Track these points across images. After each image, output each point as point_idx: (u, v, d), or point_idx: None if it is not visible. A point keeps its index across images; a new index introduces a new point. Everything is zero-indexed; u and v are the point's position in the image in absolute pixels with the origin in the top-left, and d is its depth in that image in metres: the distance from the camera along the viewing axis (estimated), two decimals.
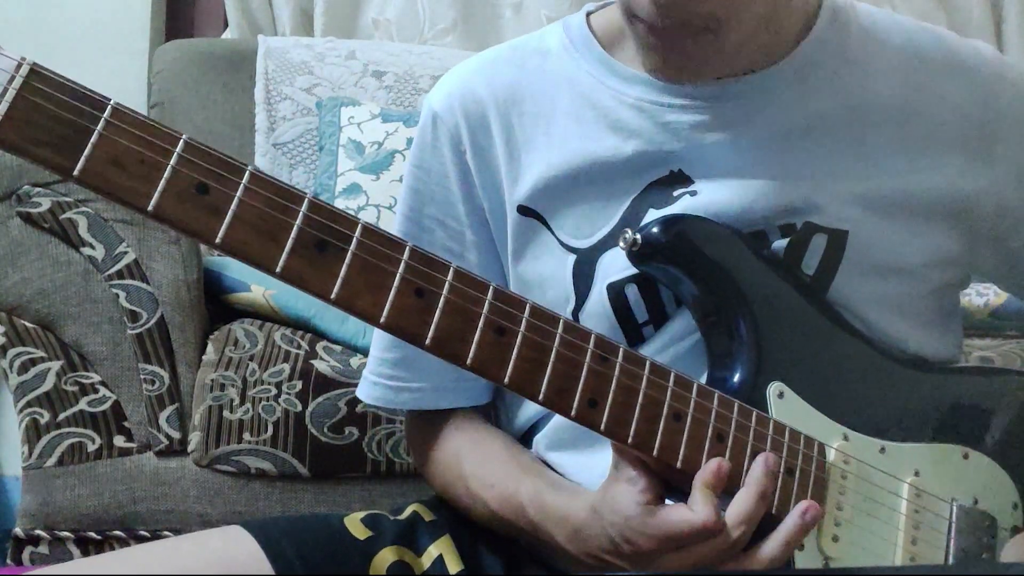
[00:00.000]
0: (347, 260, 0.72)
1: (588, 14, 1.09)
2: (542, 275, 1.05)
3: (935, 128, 1.02)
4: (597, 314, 1.01)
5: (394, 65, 2.43)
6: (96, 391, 1.73)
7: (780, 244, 0.99)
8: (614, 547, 0.87)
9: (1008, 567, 0.92)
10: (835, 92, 1.02)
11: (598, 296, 1.01)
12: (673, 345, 0.99)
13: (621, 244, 0.94)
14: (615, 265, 0.99)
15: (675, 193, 1.00)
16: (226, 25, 2.77)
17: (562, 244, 1.03)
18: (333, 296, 0.72)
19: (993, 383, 1.05)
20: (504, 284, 1.07)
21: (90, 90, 0.68)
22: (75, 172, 0.67)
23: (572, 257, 1.03)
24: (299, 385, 1.69)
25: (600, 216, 1.02)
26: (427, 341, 0.75)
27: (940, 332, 1.06)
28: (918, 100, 1.02)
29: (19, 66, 0.66)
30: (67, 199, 1.69)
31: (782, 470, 0.88)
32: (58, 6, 2.62)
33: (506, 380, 0.78)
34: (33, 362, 1.72)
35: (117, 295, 1.72)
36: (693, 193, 1.00)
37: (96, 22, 2.63)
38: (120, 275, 1.72)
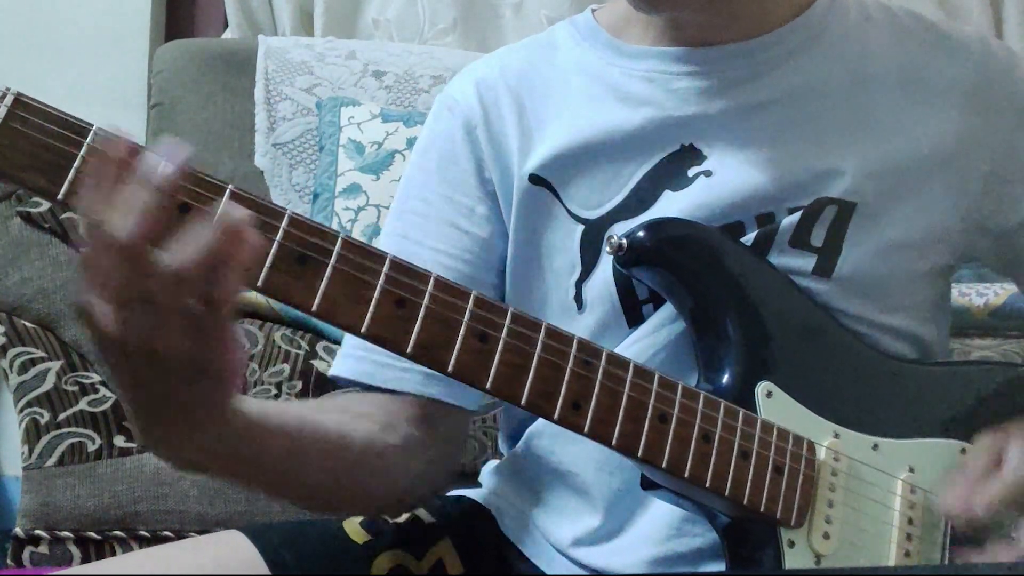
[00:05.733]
0: (327, 273, 0.74)
1: (593, 11, 1.14)
2: (550, 244, 1.06)
3: (934, 99, 1.05)
4: (600, 286, 1.02)
5: (394, 65, 2.43)
6: (96, 391, 1.74)
7: (791, 220, 0.99)
8: None
9: (1008, 567, 0.92)
10: (838, 60, 1.05)
11: (604, 270, 1.02)
12: (667, 326, 0.99)
13: (607, 249, 0.95)
14: None
15: (690, 173, 1.02)
16: (226, 25, 2.77)
17: (571, 214, 1.05)
18: (314, 308, 0.74)
19: (989, 376, 1.06)
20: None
21: (73, 116, 0.71)
22: (59, 195, 0.69)
23: (580, 228, 1.04)
24: (299, 385, 1.69)
25: (610, 187, 1.04)
26: (409, 350, 0.76)
27: (936, 315, 1.08)
28: (915, 73, 1.06)
29: (3, 96, 0.69)
30: None
31: (770, 468, 0.88)
32: (58, 6, 2.63)
33: (488, 386, 0.79)
34: (33, 362, 1.72)
35: None
36: (708, 174, 1.01)
37: (96, 22, 2.64)
38: None
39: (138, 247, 0.67)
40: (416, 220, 1.09)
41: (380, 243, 1.09)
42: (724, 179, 1.01)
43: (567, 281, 1.04)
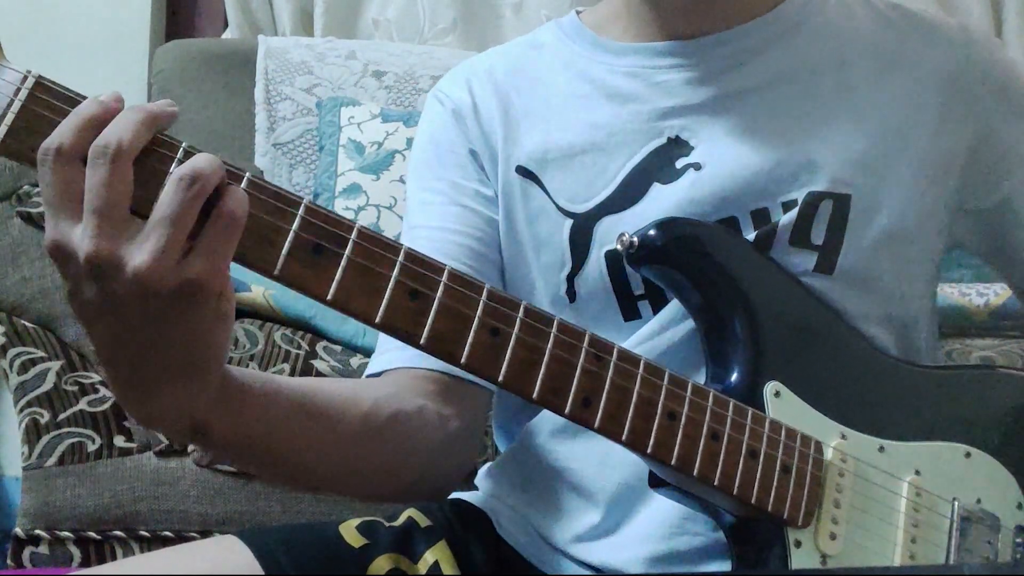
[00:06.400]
0: (342, 263, 0.74)
1: (578, 12, 1.16)
2: (537, 238, 1.06)
3: (914, 85, 1.06)
4: (593, 280, 1.03)
5: (394, 65, 2.43)
6: (96, 391, 1.73)
7: (789, 218, 1.00)
8: None
9: (1008, 567, 0.92)
10: (819, 47, 1.07)
11: (596, 263, 1.03)
12: (672, 327, 0.99)
13: (618, 246, 0.95)
14: (614, 232, 1.00)
15: (679, 166, 1.03)
16: (226, 25, 2.77)
17: (559, 208, 1.05)
18: (329, 298, 0.74)
19: (997, 382, 1.05)
20: None
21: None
22: None
23: (569, 222, 1.05)
24: None
25: (598, 181, 1.05)
26: (422, 341, 0.76)
27: (928, 306, 1.09)
28: (896, 58, 1.07)
29: (25, 78, 0.70)
30: None
31: (778, 467, 0.88)
32: (59, 6, 2.63)
33: (500, 379, 0.79)
34: (33, 362, 1.72)
35: None
36: (697, 167, 1.02)
37: (96, 22, 2.64)
38: None
39: (128, 150, 0.70)
40: (424, 208, 1.10)
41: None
42: (713, 172, 1.02)
43: (557, 275, 1.05)
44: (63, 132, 0.69)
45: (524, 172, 1.07)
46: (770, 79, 1.05)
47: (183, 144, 0.72)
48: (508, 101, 1.10)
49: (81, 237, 0.69)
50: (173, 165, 0.71)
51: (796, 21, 1.08)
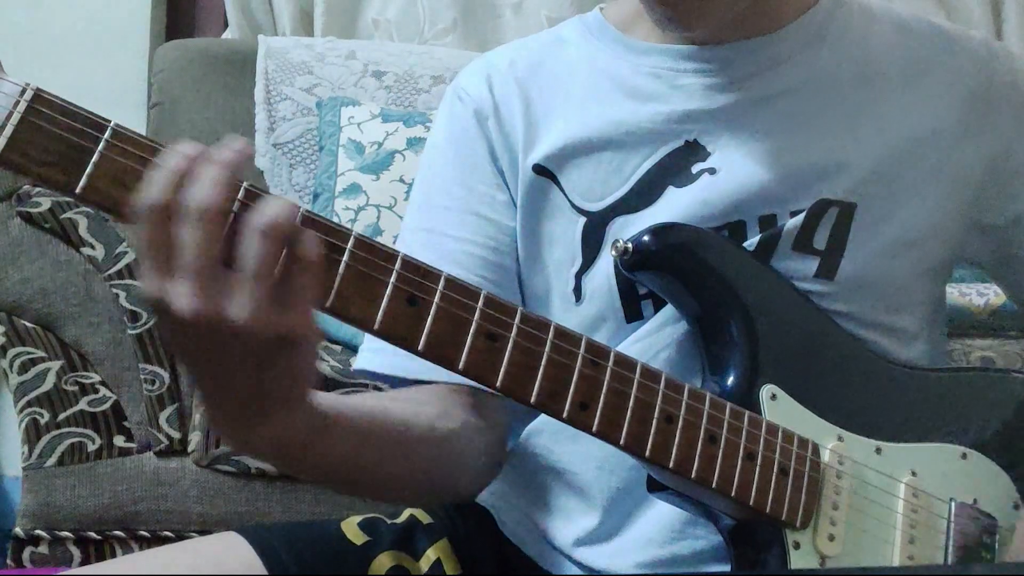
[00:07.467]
0: (340, 271, 0.74)
1: (601, 9, 1.15)
2: (551, 234, 1.06)
3: (936, 97, 1.06)
4: (600, 279, 1.03)
5: (394, 65, 2.43)
6: (96, 391, 1.74)
7: (794, 223, 1.00)
8: None
9: (1008, 567, 0.92)
10: (842, 56, 1.06)
11: (605, 262, 1.02)
12: (670, 325, 0.99)
13: (612, 252, 0.96)
14: (625, 233, 1.00)
15: (694, 170, 1.03)
16: (226, 25, 2.77)
17: (573, 206, 1.05)
18: (327, 305, 0.74)
19: (992, 383, 1.05)
20: None
21: (91, 112, 0.71)
22: (77, 190, 0.70)
23: (582, 220, 1.05)
24: None
25: (613, 180, 1.04)
26: (419, 347, 0.77)
27: (935, 316, 1.09)
28: (918, 71, 1.07)
29: (23, 91, 0.70)
30: (67, 199, 1.69)
31: (775, 470, 0.88)
32: (58, 6, 2.63)
33: (498, 385, 0.79)
34: (33, 362, 1.73)
35: (117, 295, 1.73)
36: (712, 171, 1.02)
37: (96, 22, 2.64)
38: (120, 275, 1.73)
39: (221, 210, 0.69)
40: (439, 212, 1.09)
41: (402, 238, 1.11)
42: (727, 178, 1.01)
43: (567, 272, 1.05)
44: (160, 188, 0.69)
45: (541, 170, 1.06)
46: (792, 87, 1.04)
47: (244, 184, 0.72)
48: (529, 98, 1.10)
49: (179, 294, 0.70)
50: (235, 206, 0.71)
51: (821, 30, 1.07)
